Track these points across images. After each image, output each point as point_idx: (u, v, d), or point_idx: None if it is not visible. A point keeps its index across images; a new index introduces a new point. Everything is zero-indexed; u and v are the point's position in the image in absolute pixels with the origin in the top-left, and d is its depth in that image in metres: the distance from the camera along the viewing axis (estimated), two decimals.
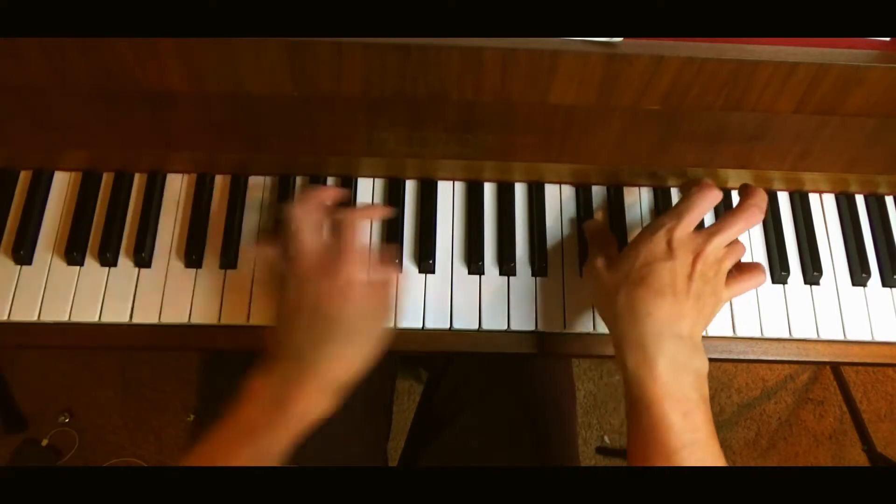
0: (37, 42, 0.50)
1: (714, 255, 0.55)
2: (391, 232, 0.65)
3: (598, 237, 0.63)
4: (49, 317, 0.61)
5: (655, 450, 0.50)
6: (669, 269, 0.54)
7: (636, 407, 0.52)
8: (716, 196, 0.57)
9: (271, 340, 0.56)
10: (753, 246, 0.67)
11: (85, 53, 0.51)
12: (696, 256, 0.54)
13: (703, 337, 0.64)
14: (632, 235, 0.67)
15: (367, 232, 0.65)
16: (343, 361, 0.54)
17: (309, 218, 0.56)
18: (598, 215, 0.67)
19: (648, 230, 0.56)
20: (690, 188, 0.58)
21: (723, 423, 1.46)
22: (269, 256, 0.59)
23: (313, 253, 0.55)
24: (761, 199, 0.58)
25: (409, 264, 0.65)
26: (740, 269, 0.59)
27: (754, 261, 0.63)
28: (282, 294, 0.56)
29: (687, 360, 0.52)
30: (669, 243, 0.55)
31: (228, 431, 0.53)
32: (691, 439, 0.50)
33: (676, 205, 0.58)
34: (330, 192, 0.60)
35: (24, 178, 0.66)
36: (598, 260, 0.58)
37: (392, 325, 0.59)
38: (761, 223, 0.68)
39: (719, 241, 0.55)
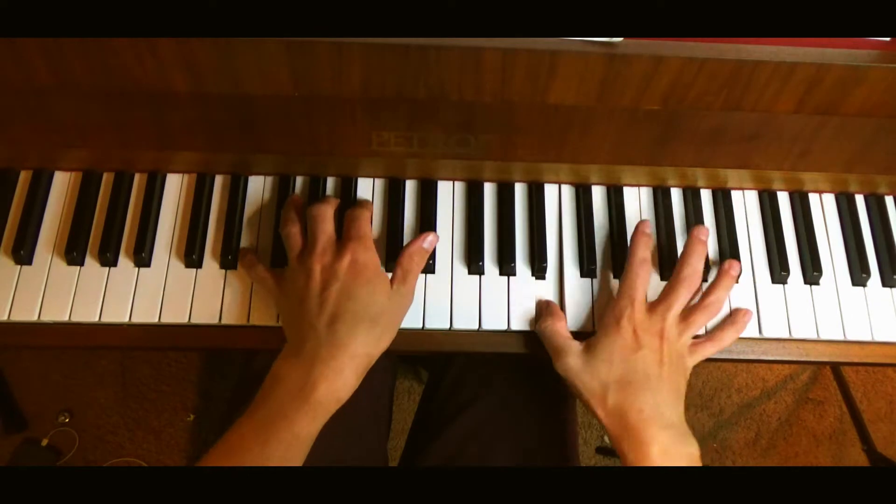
0: (37, 42, 0.50)
1: (674, 332, 0.59)
2: (391, 232, 0.65)
3: (556, 338, 0.60)
4: (49, 317, 0.61)
5: None
6: (641, 360, 0.57)
7: None
8: (649, 264, 0.61)
9: (291, 329, 0.57)
10: (754, 246, 0.67)
11: (85, 53, 0.51)
12: (661, 339, 0.58)
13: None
14: (631, 236, 0.67)
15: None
16: (374, 341, 0.56)
17: (329, 213, 0.60)
18: (549, 322, 0.61)
19: (612, 323, 0.58)
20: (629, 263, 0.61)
21: (723, 423, 1.46)
22: (264, 274, 0.61)
23: (332, 242, 0.58)
24: (697, 261, 0.61)
25: None
26: (710, 333, 0.62)
27: (725, 320, 0.63)
28: (298, 283, 0.57)
29: (680, 447, 0.55)
30: (635, 332, 0.57)
31: (259, 419, 0.53)
32: None
33: (621, 286, 0.60)
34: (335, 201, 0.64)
35: (24, 178, 0.66)
36: (569, 359, 0.58)
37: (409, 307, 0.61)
38: (762, 223, 0.68)
39: (673, 318, 0.59)
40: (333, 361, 0.54)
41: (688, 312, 0.60)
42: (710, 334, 0.62)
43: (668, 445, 0.54)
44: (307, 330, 0.55)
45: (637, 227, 0.64)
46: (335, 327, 0.54)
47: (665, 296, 0.60)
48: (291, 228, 0.61)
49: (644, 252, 0.61)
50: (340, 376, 0.54)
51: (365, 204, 0.64)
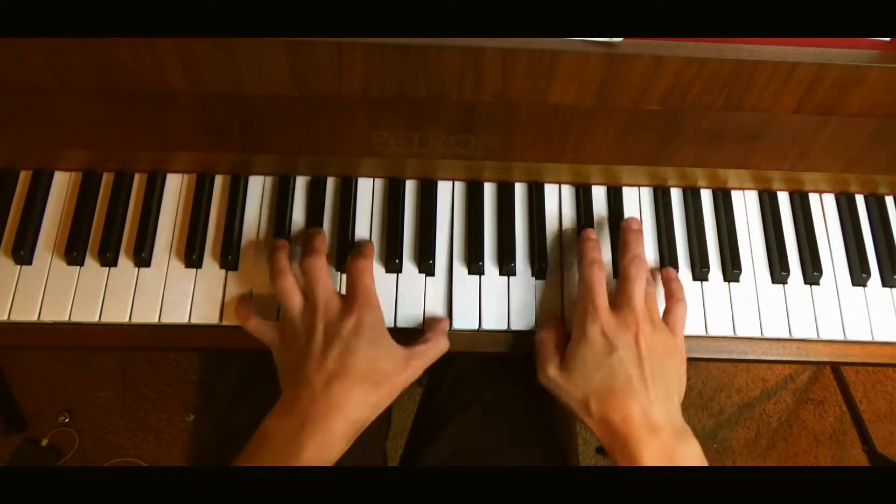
0: (37, 42, 0.50)
1: (647, 323, 0.56)
2: (391, 232, 0.65)
3: (540, 349, 0.60)
4: (49, 317, 0.61)
5: None
6: (618, 362, 0.54)
7: None
8: (601, 264, 0.59)
9: (287, 385, 0.56)
10: (754, 246, 0.67)
11: (85, 53, 0.51)
12: (636, 334, 0.55)
13: (704, 337, 0.64)
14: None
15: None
16: (371, 405, 0.54)
17: (324, 266, 0.58)
18: (539, 333, 0.61)
19: (579, 333, 0.56)
20: (581, 267, 0.60)
21: (723, 423, 1.46)
22: (261, 328, 0.59)
23: (333, 297, 0.57)
24: (635, 247, 0.60)
25: (409, 265, 0.65)
26: (668, 304, 0.61)
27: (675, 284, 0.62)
28: (300, 342, 0.56)
29: (673, 450, 0.53)
30: (604, 334, 0.55)
31: None
32: None
33: (579, 293, 0.59)
34: (323, 234, 0.62)
35: (24, 178, 0.66)
36: (549, 371, 0.57)
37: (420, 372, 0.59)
38: (762, 223, 0.68)
39: (641, 307, 0.56)
40: (325, 421, 0.52)
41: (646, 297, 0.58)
42: (667, 298, 0.61)
43: (660, 451, 0.52)
44: (303, 386, 0.53)
45: (582, 235, 0.63)
46: (332, 386, 0.52)
47: (621, 289, 0.58)
48: (285, 282, 0.58)
49: (592, 254, 0.60)
50: (330, 437, 0.52)
51: (366, 251, 0.61)
